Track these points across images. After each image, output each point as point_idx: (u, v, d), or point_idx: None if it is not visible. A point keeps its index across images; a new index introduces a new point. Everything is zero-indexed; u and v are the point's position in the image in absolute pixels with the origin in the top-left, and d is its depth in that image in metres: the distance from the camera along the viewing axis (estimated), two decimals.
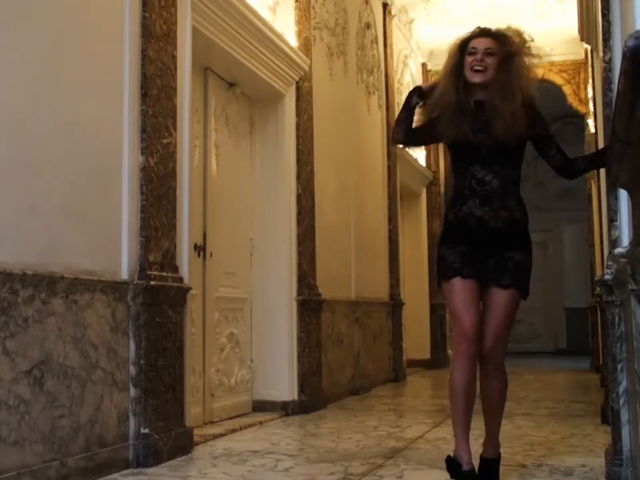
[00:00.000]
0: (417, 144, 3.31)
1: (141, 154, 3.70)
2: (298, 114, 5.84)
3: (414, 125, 3.19)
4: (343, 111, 7.09)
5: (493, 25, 3.16)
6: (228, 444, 4.17)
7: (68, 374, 3.08)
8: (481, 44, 3.00)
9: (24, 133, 2.96)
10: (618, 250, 2.77)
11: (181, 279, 3.94)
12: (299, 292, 5.63)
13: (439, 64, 10.35)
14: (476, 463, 3.08)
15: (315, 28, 6.40)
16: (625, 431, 2.87)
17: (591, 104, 8.32)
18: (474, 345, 2.92)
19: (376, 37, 8.36)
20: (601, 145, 4.74)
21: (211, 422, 4.82)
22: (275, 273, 5.57)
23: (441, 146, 8.52)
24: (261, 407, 5.45)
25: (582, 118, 10.10)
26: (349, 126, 7.24)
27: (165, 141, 3.87)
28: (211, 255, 4.95)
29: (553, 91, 9.70)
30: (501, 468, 3.10)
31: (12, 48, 2.91)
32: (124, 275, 3.55)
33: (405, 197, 9.73)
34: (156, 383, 3.62)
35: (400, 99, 9.47)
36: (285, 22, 5.80)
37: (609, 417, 3.57)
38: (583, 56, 9.44)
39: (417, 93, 3.16)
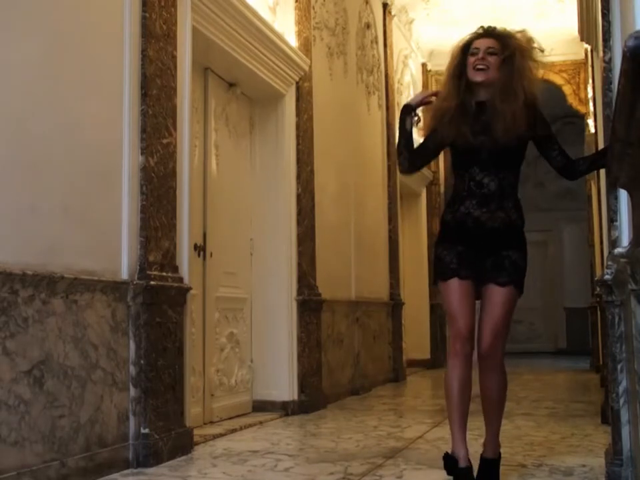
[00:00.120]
0: (423, 164, 3.28)
1: (141, 154, 3.70)
2: (298, 114, 5.84)
3: (417, 139, 3.19)
4: (343, 111, 7.09)
5: (493, 25, 3.16)
6: (228, 444, 4.17)
7: (68, 374, 3.08)
8: (483, 44, 3.02)
9: (24, 133, 2.96)
10: (618, 250, 2.77)
11: (181, 279, 3.94)
12: (299, 292, 5.63)
13: (439, 64, 10.43)
14: (476, 463, 3.08)
15: (315, 28, 6.41)
16: (625, 431, 2.87)
17: (590, 104, 8.32)
18: (468, 344, 2.96)
19: (376, 37, 8.36)
20: (601, 145, 4.74)
21: (211, 422, 4.82)
22: (275, 272, 5.57)
23: None
24: (260, 407, 5.45)
25: (582, 118, 10.10)
26: (349, 126, 7.24)
27: (165, 141, 3.87)
28: (211, 255, 4.95)
29: (553, 91, 9.70)
30: (501, 468, 3.10)
31: (12, 48, 2.91)
32: (124, 275, 3.55)
33: (405, 196, 9.73)
34: (156, 383, 3.62)
35: (400, 99, 9.47)
36: (285, 22, 5.80)
37: (609, 416, 3.57)
38: (582, 56, 9.44)
39: (408, 113, 3.14)
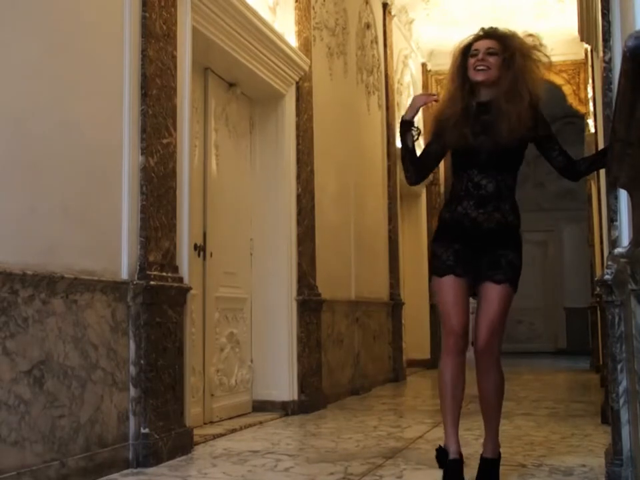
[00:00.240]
0: (430, 172, 3.31)
1: (141, 154, 3.70)
2: (298, 114, 5.84)
3: (420, 144, 3.21)
4: (343, 111, 7.09)
5: (493, 25, 3.17)
6: (228, 444, 4.17)
7: (68, 374, 3.08)
8: (483, 45, 3.04)
9: (24, 133, 2.96)
10: (618, 250, 2.77)
11: (181, 279, 3.94)
12: (299, 292, 5.63)
13: (438, 64, 10.44)
14: (476, 463, 3.09)
15: (315, 28, 6.41)
16: (625, 431, 2.87)
17: (590, 104, 8.32)
18: (461, 341, 3.00)
19: (376, 37, 8.36)
20: (601, 145, 4.74)
21: (211, 422, 4.82)
22: (275, 272, 5.57)
23: None
24: (261, 407, 5.45)
25: (582, 118, 10.10)
26: (349, 126, 7.24)
27: (165, 141, 3.87)
28: (211, 255, 4.95)
29: (553, 91, 9.69)
30: (501, 468, 3.10)
31: (12, 48, 2.91)
32: (124, 275, 3.55)
33: (405, 197, 9.72)
34: (156, 383, 3.62)
35: (400, 99, 9.48)
36: (285, 22, 5.80)
37: (609, 417, 3.57)
38: (582, 56, 9.44)
39: (408, 128, 3.13)
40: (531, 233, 13.78)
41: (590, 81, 7.99)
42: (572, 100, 10.07)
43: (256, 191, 5.65)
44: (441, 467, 3.00)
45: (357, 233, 7.25)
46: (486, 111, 3.03)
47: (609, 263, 3.04)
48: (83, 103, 3.34)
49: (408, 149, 3.16)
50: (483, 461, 3.08)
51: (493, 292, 3.00)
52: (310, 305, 5.73)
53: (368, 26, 8.07)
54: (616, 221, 3.16)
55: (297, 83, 5.84)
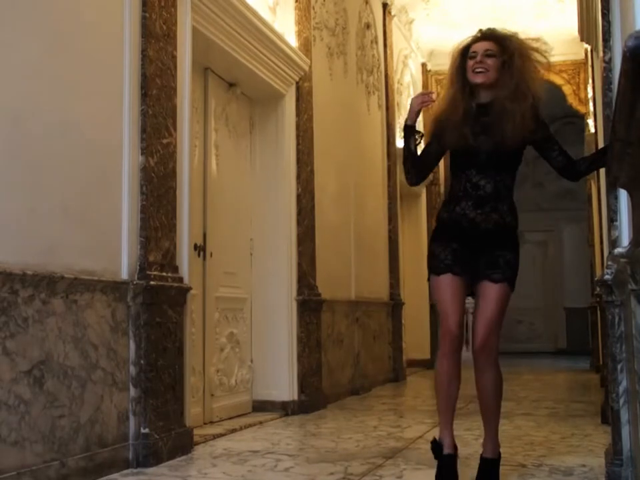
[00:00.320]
0: (429, 172, 3.33)
1: (141, 154, 3.70)
2: (298, 114, 5.84)
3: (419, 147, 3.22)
4: (343, 111, 7.09)
5: (493, 25, 3.18)
6: (228, 444, 4.17)
7: (68, 374, 3.08)
8: (481, 47, 3.05)
9: (24, 133, 2.96)
10: (618, 250, 2.77)
11: (180, 279, 3.94)
12: (299, 292, 5.63)
13: (438, 64, 10.43)
14: (476, 463, 3.09)
15: (315, 28, 6.41)
16: (625, 431, 2.87)
17: (590, 104, 8.32)
18: (457, 340, 3.02)
19: (376, 37, 8.36)
20: (601, 145, 4.73)
21: (211, 422, 4.82)
22: (275, 272, 5.57)
23: None
24: (261, 407, 5.45)
25: (582, 118, 10.10)
26: (349, 126, 7.24)
27: (165, 141, 3.87)
28: (211, 255, 4.95)
29: (553, 91, 9.69)
30: (501, 468, 3.10)
31: (12, 48, 2.91)
32: (124, 275, 3.55)
33: (405, 197, 9.72)
34: (156, 383, 3.62)
35: (400, 99, 9.48)
36: (285, 22, 5.80)
37: (609, 417, 3.57)
38: (582, 56, 9.44)
39: (411, 133, 3.14)
40: (530, 233, 13.79)
41: (590, 80, 7.99)
42: (572, 100, 10.07)
43: (256, 191, 5.65)
44: (436, 457, 3.07)
45: (357, 233, 7.25)
46: (486, 112, 3.05)
47: (609, 263, 3.04)
48: (83, 103, 3.34)
49: (410, 152, 3.18)
50: (483, 461, 3.08)
51: (491, 291, 3.02)
52: (310, 305, 5.73)
53: (368, 26, 8.07)
54: (616, 220, 3.16)
55: (297, 83, 5.85)
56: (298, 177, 5.78)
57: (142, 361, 3.55)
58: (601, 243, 6.20)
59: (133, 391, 3.52)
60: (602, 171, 3.77)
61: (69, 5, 3.28)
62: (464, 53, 3.09)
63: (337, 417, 5.32)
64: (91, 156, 3.38)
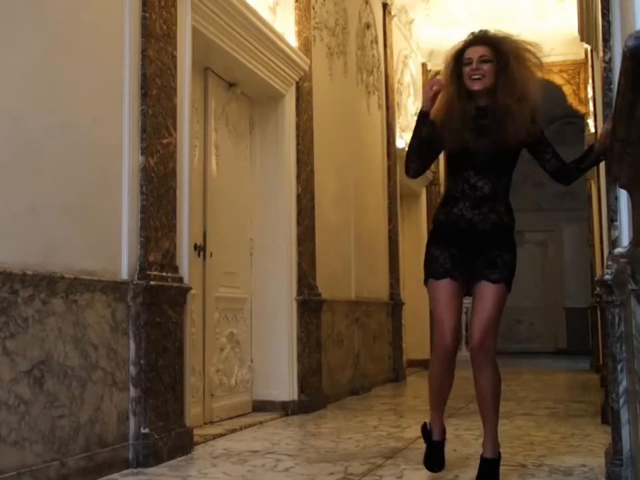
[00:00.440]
0: (428, 166, 3.32)
1: (141, 154, 3.70)
2: (298, 114, 5.84)
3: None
4: (343, 111, 7.09)
5: (493, 25, 3.19)
6: (228, 444, 4.17)
7: (68, 374, 3.08)
8: (475, 53, 3.05)
9: (24, 132, 2.96)
10: (618, 250, 2.77)
11: (181, 279, 3.94)
12: (299, 292, 5.63)
13: (438, 64, 10.34)
14: (476, 463, 3.09)
15: (315, 28, 6.41)
16: (625, 431, 2.87)
17: (590, 104, 8.31)
18: (451, 344, 3.06)
19: (376, 37, 8.36)
20: None
21: (211, 422, 4.82)
22: (275, 272, 5.57)
23: None
24: (261, 407, 5.45)
25: (582, 118, 10.10)
26: (349, 126, 7.24)
27: (165, 141, 3.87)
28: (211, 255, 4.95)
29: (553, 90, 9.69)
30: (501, 468, 3.10)
31: (12, 48, 2.91)
32: (124, 275, 3.55)
33: (405, 197, 9.73)
34: (156, 383, 3.62)
35: (400, 99, 9.48)
36: (285, 22, 5.80)
37: (609, 416, 3.57)
38: (582, 56, 9.44)
39: (425, 119, 3.08)
40: (530, 233, 13.81)
41: (590, 80, 7.99)
42: (572, 100, 10.07)
43: (256, 191, 5.65)
44: (425, 441, 3.26)
45: (357, 233, 7.25)
46: (484, 115, 3.06)
47: (609, 263, 3.04)
48: (83, 103, 3.34)
49: (420, 137, 3.12)
50: (483, 461, 3.08)
51: (488, 291, 3.04)
52: (310, 305, 5.73)
53: (368, 26, 8.07)
54: (616, 220, 3.17)
55: (297, 83, 5.84)
56: (298, 177, 5.78)
57: (142, 361, 3.55)
58: (601, 242, 6.20)
59: (132, 391, 3.52)
60: (602, 171, 3.77)
61: (69, 5, 3.28)
62: (457, 57, 3.08)
63: (337, 417, 5.32)
64: (91, 156, 3.38)
